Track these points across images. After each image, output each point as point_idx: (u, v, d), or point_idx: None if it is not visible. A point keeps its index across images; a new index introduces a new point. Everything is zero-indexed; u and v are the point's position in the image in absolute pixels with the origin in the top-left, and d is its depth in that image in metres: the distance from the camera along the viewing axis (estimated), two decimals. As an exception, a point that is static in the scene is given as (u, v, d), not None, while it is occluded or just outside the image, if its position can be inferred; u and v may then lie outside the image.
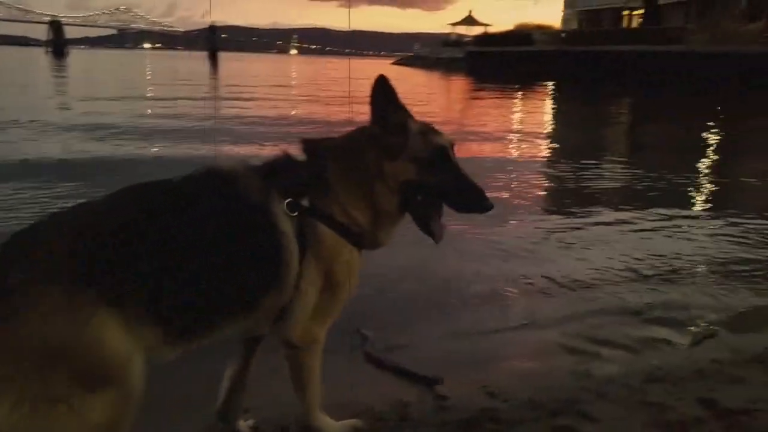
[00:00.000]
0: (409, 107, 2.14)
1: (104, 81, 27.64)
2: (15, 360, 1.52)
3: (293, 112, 15.30)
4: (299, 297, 2.00)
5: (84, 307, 1.59)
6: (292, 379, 2.20)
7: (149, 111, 15.76)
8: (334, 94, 23.52)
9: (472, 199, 2.05)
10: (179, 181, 1.94)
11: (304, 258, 1.97)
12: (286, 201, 1.95)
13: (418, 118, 2.17)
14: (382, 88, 2.05)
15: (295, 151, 2.12)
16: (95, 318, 1.60)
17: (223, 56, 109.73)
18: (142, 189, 1.91)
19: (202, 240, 1.82)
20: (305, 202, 1.99)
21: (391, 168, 2.04)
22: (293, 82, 31.85)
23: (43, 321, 1.53)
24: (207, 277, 1.82)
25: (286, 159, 2.10)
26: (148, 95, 21.13)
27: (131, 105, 17.51)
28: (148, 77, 31.89)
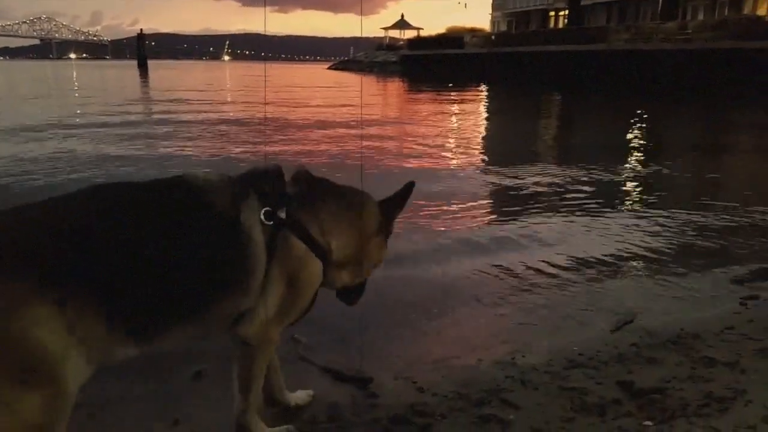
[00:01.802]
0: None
1: (25, 101, 25.08)
2: None
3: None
4: (262, 300, 2.05)
5: (17, 299, 1.57)
6: (238, 376, 2.23)
7: (76, 148, 10.96)
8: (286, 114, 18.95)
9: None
10: (146, 183, 1.98)
11: (270, 265, 2.02)
12: (264, 210, 2.01)
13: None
14: (406, 195, 2.44)
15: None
16: (29, 312, 1.58)
17: (154, 64, 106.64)
18: (104, 187, 1.93)
19: (159, 242, 1.83)
20: (282, 214, 2.05)
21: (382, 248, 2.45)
22: (234, 96, 30.43)
23: None
24: (160, 279, 1.82)
25: (276, 171, 2.19)
26: (78, 119, 17.17)
27: (53, 140, 12.00)
28: (76, 94, 30.13)
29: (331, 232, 2.20)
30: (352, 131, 14.38)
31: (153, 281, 1.80)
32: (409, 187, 2.43)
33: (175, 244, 1.86)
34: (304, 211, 2.13)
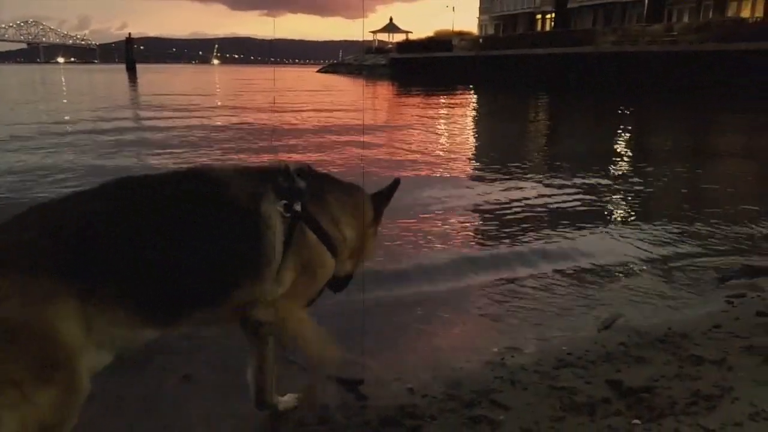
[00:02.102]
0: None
1: (14, 107, 24.24)
2: None
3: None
4: (278, 287, 2.15)
5: (42, 295, 1.62)
6: (294, 344, 2.36)
7: (64, 158, 10.40)
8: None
9: None
10: (163, 175, 2.09)
11: (285, 254, 2.13)
12: (282, 202, 2.13)
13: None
14: (393, 190, 2.60)
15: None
16: (53, 307, 1.62)
17: (143, 68, 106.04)
18: (130, 180, 2.00)
19: (184, 232, 1.92)
20: (297, 207, 2.16)
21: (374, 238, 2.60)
22: (224, 101, 29.88)
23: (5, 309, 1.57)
24: (186, 267, 1.91)
25: (287, 167, 2.30)
26: (68, 127, 15.89)
27: (42, 150, 11.26)
28: (64, 100, 29.63)
29: (339, 224, 2.34)
30: (343, 138, 14.16)
31: (178, 270, 1.89)
32: (395, 184, 2.61)
33: (199, 234, 1.94)
34: (315, 204, 2.25)
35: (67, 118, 19.04)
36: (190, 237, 1.92)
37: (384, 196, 2.60)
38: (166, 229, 1.89)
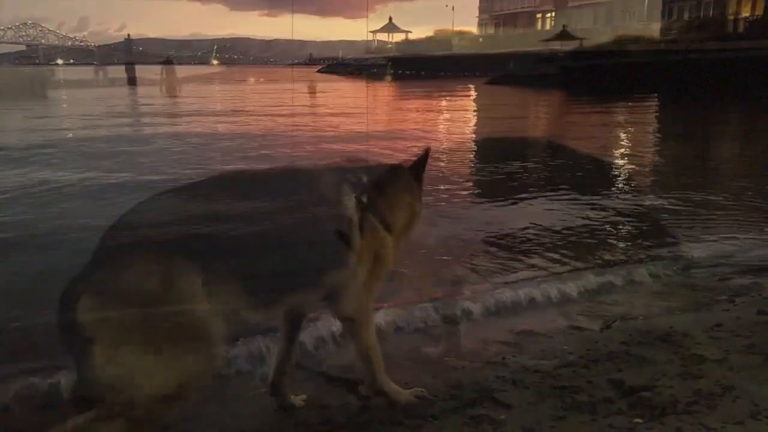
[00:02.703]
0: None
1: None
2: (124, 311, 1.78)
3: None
4: (353, 276, 2.36)
5: (176, 275, 1.84)
6: (355, 350, 2.54)
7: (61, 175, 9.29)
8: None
9: None
10: (267, 171, 2.43)
11: (359, 243, 2.34)
12: (354, 194, 2.35)
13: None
14: (426, 158, 2.72)
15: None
16: (185, 286, 1.84)
17: (142, 70, 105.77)
18: (241, 174, 2.44)
19: (288, 224, 2.16)
20: (365, 199, 2.39)
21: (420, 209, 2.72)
22: (225, 104, 29.44)
23: (142, 283, 1.82)
24: (289, 254, 2.15)
25: (356, 161, 2.59)
26: (69, 134, 15.15)
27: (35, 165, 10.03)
28: (64, 105, 29.14)
29: (393, 210, 2.54)
30: (337, 147, 13.88)
31: (285, 254, 2.13)
32: (427, 152, 2.75)
33: (301, 224, 2.20)
34: (377, 195, 2.47)
35: (67, 125, 18.82)
36: (295, 226, 2.18)
37: (420, 166, 2.72)
38: (273, 219, 2.12)
